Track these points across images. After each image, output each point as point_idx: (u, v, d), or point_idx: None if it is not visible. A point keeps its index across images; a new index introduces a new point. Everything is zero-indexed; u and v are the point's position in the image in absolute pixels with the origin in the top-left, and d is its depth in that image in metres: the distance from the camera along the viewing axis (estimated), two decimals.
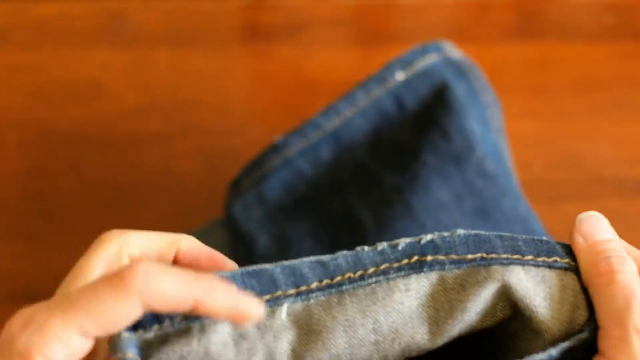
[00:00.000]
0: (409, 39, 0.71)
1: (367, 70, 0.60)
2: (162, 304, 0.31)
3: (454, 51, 0.59)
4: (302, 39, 0.76)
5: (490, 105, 0.59)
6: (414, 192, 0.54)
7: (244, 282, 0.35)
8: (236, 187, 0.58)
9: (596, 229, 0.36)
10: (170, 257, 0.36)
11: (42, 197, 0.67)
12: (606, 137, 0.72)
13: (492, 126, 0.58)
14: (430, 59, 0.58)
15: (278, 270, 0.35)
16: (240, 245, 0.57)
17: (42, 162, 0.69)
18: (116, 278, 0.31)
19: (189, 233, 0.63)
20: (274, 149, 0.57)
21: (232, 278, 0.35)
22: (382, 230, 0.53)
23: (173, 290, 0.31)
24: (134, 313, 0.31)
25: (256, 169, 0.58)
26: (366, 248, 0.36)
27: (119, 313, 0.31)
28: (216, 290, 0.32)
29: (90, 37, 0.75)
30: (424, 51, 0.58)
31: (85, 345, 0.31)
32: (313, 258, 0.36)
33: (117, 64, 0.74)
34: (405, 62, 0.58)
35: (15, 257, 0.65)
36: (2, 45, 0.75)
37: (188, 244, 0.37)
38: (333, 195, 0.56)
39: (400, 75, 0.58)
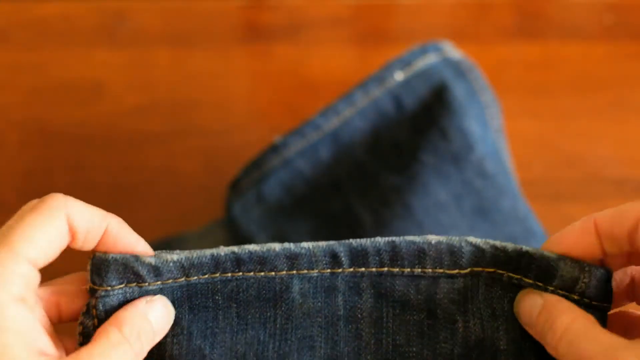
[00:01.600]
0: (408, 39, 0.71)
1: (367, 70, 0.60)
2: (82, 219, 0.36)
3: (453, 51, 0.59)
4: (302, 39, 0.76)
5: (489, 105, 0.59)
6: (413, 191, 0.54)
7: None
8: (236, 187, 0.58)
9: (527, 312, 0.37)
10: (101, 231, 0.38)
11: (42, 196, 0.67)
12: (606, 137, 0.71)
13: (492, 126, 0.58)
14: (429, 59, 0.58)
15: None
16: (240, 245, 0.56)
17: (42, 162, 0.69)
18: (39, 202, 0.36)
19: (189, 233, 0.63)
20: (274, 149, 0.57)
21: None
22: (381, 230, 0.53)
23: (89, 208, 0.37)
24: (61, 227, 0.36)
25: (256, 169, 0.58)
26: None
27: (48, 229, 0.36)
28: (124, 224, 0.38)
29: (90, 37, 0.75)
30: (423, 51, 0.58)
31: (35, 275, 0.36)
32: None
33: (117, 64, 0.74)
34: (404, 62, 0.58)
35: None
36: (2, 45, 0.75)
37: (116, 223, 0.38)
38: (332, 195, 0.56)
39: (399, 76, 0.58)
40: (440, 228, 0.53)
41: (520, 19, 0.78)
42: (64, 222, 0.36)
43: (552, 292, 0.37)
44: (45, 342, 0.35)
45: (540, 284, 0.38)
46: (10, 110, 0.72)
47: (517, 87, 0.74)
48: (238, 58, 0.76)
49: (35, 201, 0.37)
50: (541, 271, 0.37)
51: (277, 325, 0.39)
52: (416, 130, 0.56)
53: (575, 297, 0.37)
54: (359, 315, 0.39)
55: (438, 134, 0.55)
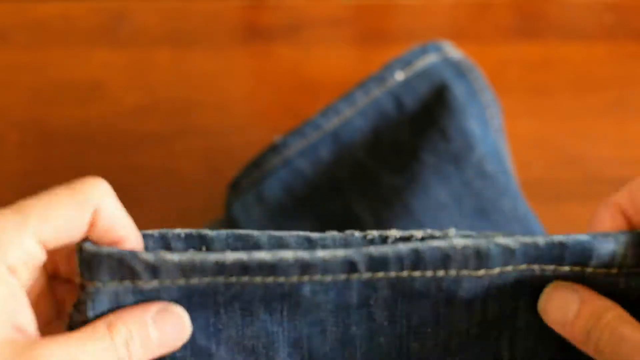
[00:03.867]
0: (409, 39, 0.71)
1: (367, 70, 0.60)
2: (109, 219, 0.35)
3: (453, 51, 0.59)
4: (302, 39, 0.76)
5: (489, 105, 0.59)
6: (413, 192, 0.54)
7: (227, 244, 0.37)
8: (236, 187, 0.58)
9: (561, 311, 0.37)
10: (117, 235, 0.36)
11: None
12: (606, 137, 0.71)
13: (492, 126, 0.58)
14: (429, 59, 0.58)
15: (265, 239, 0.37)
16: None
17: (41, 162, 0.69)
18: (77, 184, 0.34)
19: None
20: (274, 149, 0.57)
21: (217, 237, 0.37)
22: (382, 230, 0.53)
23: (121, 212, 0.35)
24: (85, 220, 0.34)
25: (256, 169, 0.58)
26: (356, 233, 0.38)
27: (72, 218, 0.33)
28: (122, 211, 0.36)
29: (90, 37, 0.75)
30: (423, 51, 0.58)
31: (38, 253, 0.33)
32: (302, 233, 0.37)
33: (117, 64, 0.74)
34: (404, 62, 0.58)
35: None
36: (2, 45, 0.75)
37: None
38: (332, 195, 0.56)
39: (399, 75, 0.58)
40: (440, 228, 0.53)
41: (520, 19, 0.78)
42: (89, 214, 0.34)
43: (591, 273, 0.37)
44: (26, 319, 0.33)
45: (577, 268, 0.37)
46: (10, 110, 0.72)
47: (517, 87, 0.74)
48: (238, 58, 0.76)
49: (75, 183, 0.35)
50: (576, 256, 0.37)
51: (285, 314, 0.37)
52: (416, 130, 0.56)
53: (615, 271, 0.37)
54: (372, 302, 0.37)
55: (438, 134, 0.55)
